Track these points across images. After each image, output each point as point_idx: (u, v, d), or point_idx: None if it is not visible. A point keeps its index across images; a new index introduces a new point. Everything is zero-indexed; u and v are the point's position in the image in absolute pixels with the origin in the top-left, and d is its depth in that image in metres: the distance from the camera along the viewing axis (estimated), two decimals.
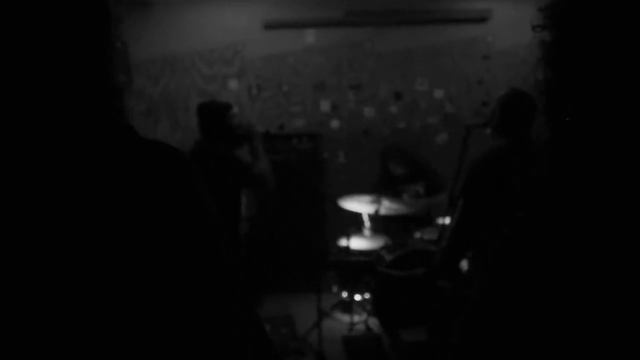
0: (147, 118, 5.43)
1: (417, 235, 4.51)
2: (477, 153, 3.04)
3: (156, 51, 5.41)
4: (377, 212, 4.38)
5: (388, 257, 4.13)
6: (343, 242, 4.50)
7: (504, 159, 2.81)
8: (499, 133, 2.93)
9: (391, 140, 5.48)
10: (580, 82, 0.88)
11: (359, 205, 4.45)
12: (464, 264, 4.21)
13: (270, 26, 5.47)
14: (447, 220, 4.19)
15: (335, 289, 4.84)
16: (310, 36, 5.56)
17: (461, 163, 3.28)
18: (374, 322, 4.24)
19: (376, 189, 4.69)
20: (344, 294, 4.60)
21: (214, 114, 3.45)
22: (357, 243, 4.50)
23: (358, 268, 4.45)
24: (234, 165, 3.38)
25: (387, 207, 4.40)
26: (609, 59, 0.84)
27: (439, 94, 5.72)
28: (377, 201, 4.39)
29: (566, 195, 0.87)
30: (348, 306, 4.44)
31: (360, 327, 4.32)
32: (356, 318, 4.36)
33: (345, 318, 4.42)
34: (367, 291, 4.43)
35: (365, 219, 4.64)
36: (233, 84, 5.54)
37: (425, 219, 4.87)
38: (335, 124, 5.66)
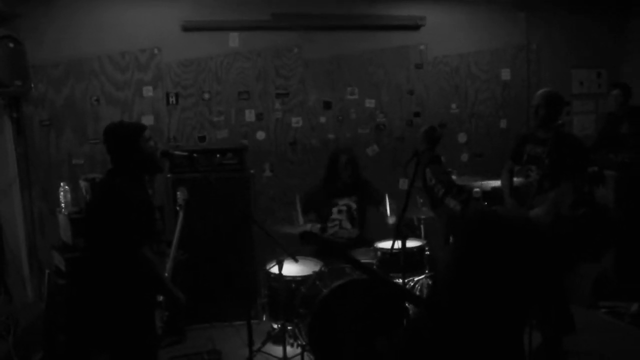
0: (49, 128, 4.81)
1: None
2: None
3: (61, 53, 4.78)
4: (310, 234, 4.04)
5: (324, 287, 3.82)
6: (273, 268, 4.13)
7: None
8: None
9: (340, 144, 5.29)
10: None
11: (291, 228, 4.11)
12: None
13: (189, 28, 5.00)
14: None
15: (264, 318, 4.49)
16: (233, 40, 5.13)
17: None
18: (310, 358, 3.92)
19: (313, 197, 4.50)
20: (275, 325, 4.26)
21: (124, 139, 2.96)
22: (288, 269, 4.15)
23: (290, 296, 4.11)
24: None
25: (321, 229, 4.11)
26: None
27: (370, 103, 5.45)
28: (311, 221, 4.08)
29: None
30: (280, 338, 4.09)
31: None
32: (289, 351, 4.02)
33: (278, 351, 4.08)
34: (301, 322, 4.08)
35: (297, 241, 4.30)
36: (148, 91, 5.01)
37: (358, 240, 4.61)
38: (261, 135, 5.27)
